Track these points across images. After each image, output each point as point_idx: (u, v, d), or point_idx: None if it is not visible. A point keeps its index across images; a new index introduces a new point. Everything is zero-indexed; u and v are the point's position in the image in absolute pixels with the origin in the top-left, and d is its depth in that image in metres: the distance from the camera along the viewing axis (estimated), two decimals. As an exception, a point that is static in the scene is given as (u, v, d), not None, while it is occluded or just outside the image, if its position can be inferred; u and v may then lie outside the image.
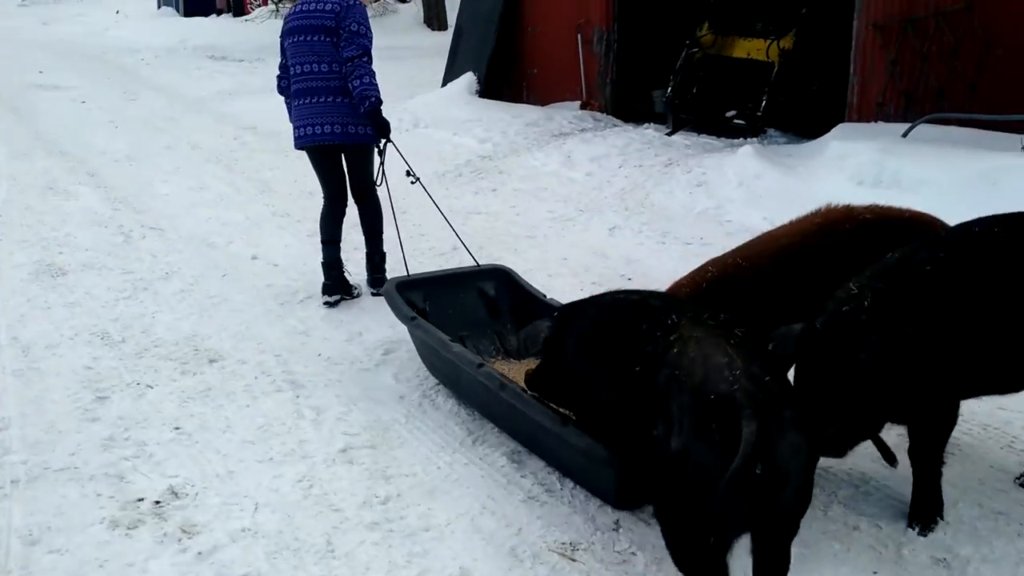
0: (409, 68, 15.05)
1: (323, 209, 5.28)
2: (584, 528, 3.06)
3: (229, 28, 19.72)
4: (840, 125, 8.08)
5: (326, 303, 5.15)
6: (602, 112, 10.60)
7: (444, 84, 11.87)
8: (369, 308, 5.08)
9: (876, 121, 8.11)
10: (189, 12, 23.66)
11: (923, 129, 7.08)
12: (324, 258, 5.21)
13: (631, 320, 2.84)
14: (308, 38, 4.93)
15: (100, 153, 9.17)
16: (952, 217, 5.62)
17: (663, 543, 2.62)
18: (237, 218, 6.86)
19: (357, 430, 3.74)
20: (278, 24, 18.69)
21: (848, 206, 3.61)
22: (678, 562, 2.53)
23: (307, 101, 4.96)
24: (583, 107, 10.76)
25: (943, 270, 2.80)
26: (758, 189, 6.83)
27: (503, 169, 8.32)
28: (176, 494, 3.29)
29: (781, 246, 3.55)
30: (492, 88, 11.51)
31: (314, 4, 4.94)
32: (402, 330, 4.37)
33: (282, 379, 4.22)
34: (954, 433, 3.01)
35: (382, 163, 5.05)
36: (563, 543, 2.96)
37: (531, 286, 4.55)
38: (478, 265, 4.74)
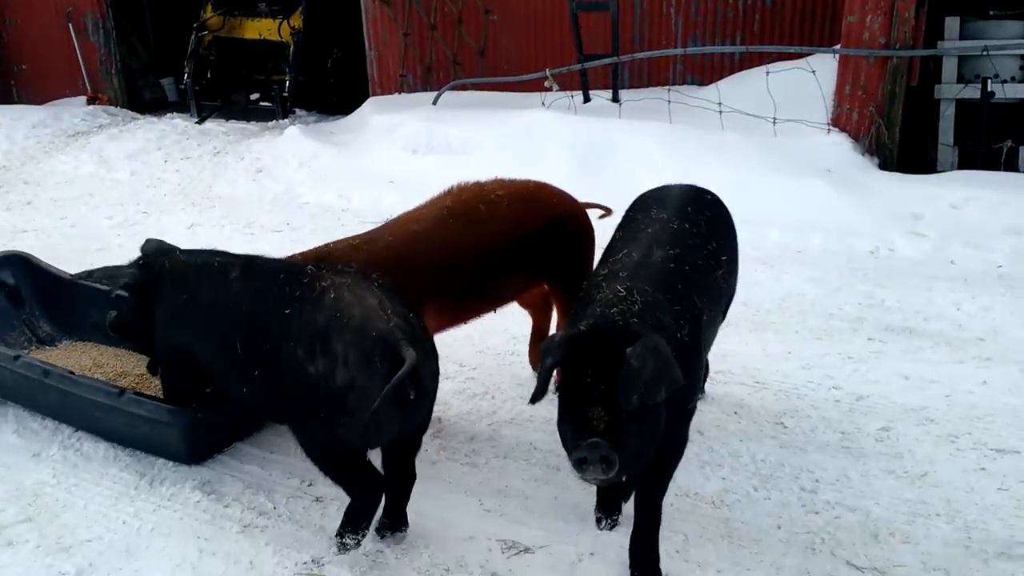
0: None
1: None
2: (317, 540, 2.98)
3: None
4: (370, 99, 8.51)
5: None
6: (114, 106, 9.88)
7: (-95, 89, 10.09)
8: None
9: (399, 92, 8.68)
10: None
11: (447, 96, 7.76)
12: None
13: (265, 274, 2.95)
14: None
15: None
16: (503, 169, 6.37)
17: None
18: None
19: (0, 505, 3.21)
20: None
21: (478, 183, 3.65)
22: (332, 472, 2.82)
23: None
24: (91, 102, 9.92)
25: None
26: (320, 168, 6.98)
27: (28, 178, 7.40)
28: None
29: (412, 231, 3.43)
30: (-30, 90, 10.09)
31: None
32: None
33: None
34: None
35: None
36: (304, 562, 2.85)
37: (53, 267, 4.46)
38: None
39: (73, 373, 3.51)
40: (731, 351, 4.11)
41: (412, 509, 2.95)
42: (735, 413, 3.67)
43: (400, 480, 2.91)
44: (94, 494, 3.27)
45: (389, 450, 2.87)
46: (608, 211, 3.85)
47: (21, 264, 4.43)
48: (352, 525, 2.81)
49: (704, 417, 3.53)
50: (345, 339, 2.62)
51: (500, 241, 3.40)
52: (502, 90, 7.86)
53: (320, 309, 2.69)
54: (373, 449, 2.83)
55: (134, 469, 3.40)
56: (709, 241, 2.97)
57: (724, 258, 3.02)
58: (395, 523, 2.93)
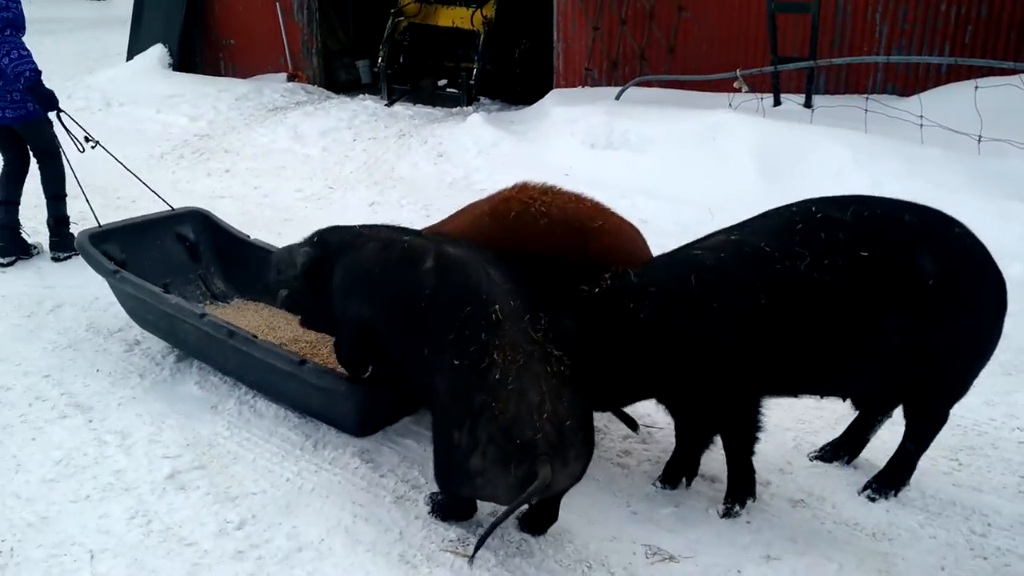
0: (75, 42, 13.70)
1: (2, 169, 5.31)
2: (466, 522, 3.00)
3: None
4: (553, 91, 8.52)
5: None
6: (312, 84, 10.33)
7: (130, 58, 10.90)
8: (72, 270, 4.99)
9: (583, 86, 8.66)
10: None
11: (630, 92, 7.67)
12: (1, 219, 5.25)
13: (448, 294, 2.79)
14: None
15: None
16: (684, 169, 6.24)
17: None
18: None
19: (177, 451, 3.41)
20: None
21: (542, 189, 3.37)
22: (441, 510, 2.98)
23: None
24: (290, 79, 10.41)
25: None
26: (498, 157, 7.04)
27: (228, 148, 7.86)
28: (-15, 553, 2.85)
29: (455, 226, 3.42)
30: (186, 61, 10.80)
31: None
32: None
33: (64, 403, 3.75)
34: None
35: (58, 130, 5.10)
36: (451, 540, 2.89)
37: (232, 227, 4.59)
38: (173, 209, 4.67)
39: (256, 337, 3.60)
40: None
41: (561, 503, 2.93)
42: (910, 444, 3.44)
43: (540, 519, 2.90)
44: (263, 450, 3.43)
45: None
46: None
47: (202, 220, 4.61)
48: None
49: (872, 443, 3.32)
50: (490, 431, 2.57)
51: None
52: (689, 88, 7.71)
53: (480, 387, 2.60)
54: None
55: (301, 430, 3.55)
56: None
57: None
58: (543, 522, 2.91)
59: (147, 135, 8.32)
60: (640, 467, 3.34)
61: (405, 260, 2.95)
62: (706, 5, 7.92)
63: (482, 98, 9.70)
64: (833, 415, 3.59)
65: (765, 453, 3.20)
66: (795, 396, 3.04)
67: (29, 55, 4.76)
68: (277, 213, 6.17)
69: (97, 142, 4.89)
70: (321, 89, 10.13)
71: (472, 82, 9.40)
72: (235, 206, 6.31)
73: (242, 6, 10.68)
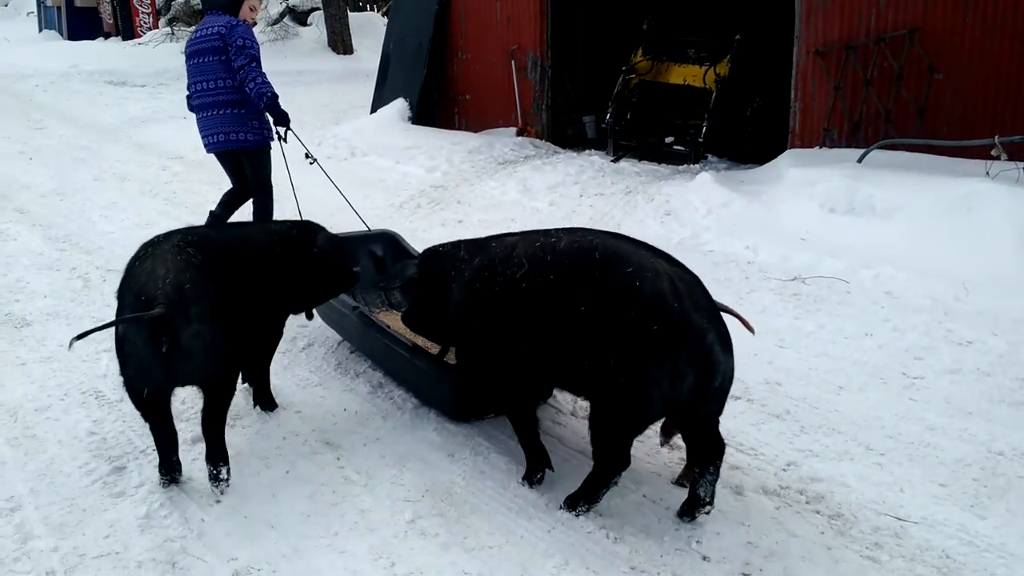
0: (322, 94, 14.74)
1: (227, 191, 6.11)
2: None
3: (121, 52, 18.77)
4: (788, 151, 8.27)
5: None
6: (539, 139, 10.59)
7: (373, 111, 11.62)
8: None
9: (820, 147, 8.35)
10: (73, 36, 22.50)
11: (873, 155, 7.30)
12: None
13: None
14: (200, 60, 5.73)
15: (23, 187, 8.55)
16: (936, 239, 5.86)
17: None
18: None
19: (418, 495, 3.50)
20: (173, 47, 18.06)
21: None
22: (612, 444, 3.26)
23: (201, 115, 5.81)
24: (519, 134, 10.71)
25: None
26: (728, 217, 6.89)
27: (461, 199, 8.15)
28: (247, 580, 3.01)
29: None
30: (424, 114, 11.35)
31: (205, 30, 5.72)
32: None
33: (314, 439, 3.95)
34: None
35: (284, 147, 5.75)
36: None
37: (413, 248, 5.26)
38: (369, 229, 5.54)
39: (388, 327, 4.31)
40: None
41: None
42: None
43: (710, 452, 3.25)
44: (498, 503, 3.45)
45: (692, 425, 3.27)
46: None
47: (390, 241, 5.45)
48: (592, 496, 3.31)
49: None
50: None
51: None
52: (939, 154, 7.25)
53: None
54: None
55: (537, 489, 3.54)
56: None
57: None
58: (700, 501, 3.26)
59: (387, 184, 8.78)
60: (891, 563, 3.09)
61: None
62: (961, 66, 7.46)
63: (710, 156, 9.57)
64: None
65: None
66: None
67: (268, 81, 5.55)
68: (509, 265, 6.30)
69: (315, 160, 5.84)
70: (549, 144, 10.35)
71: (700, 140, 9.31)
72: (468, 256, 6.50)
73: (480, 64, 11.15)
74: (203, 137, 5.84)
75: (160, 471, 3.55)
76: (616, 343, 3.02)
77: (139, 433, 3.97)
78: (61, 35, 23.00)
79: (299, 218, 4.88)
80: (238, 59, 5.52)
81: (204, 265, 3.48)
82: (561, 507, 3.37)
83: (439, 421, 4.07)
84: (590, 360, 3.10)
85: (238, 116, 5.69)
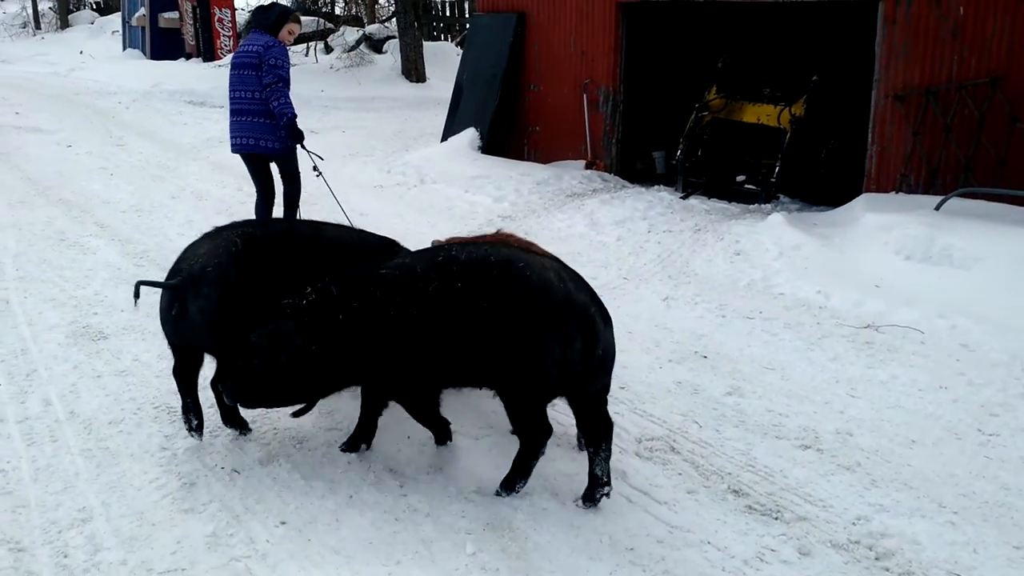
0: (394, 121, 14.92)
1: (256, 198, 6.89)
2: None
3: (203, 73, 19.29)
4: (863, 195, 8.13)
5: None
6: (608, 172, 10.58)
7: (444, 139, 11.75)
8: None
9: (896, 192, 8.20)
10: (156, 55, 23.19)
11: (952, 202, 7.14)
12: None
13: None
14: (241, 72, 6.47)
15: (103, 203, 8.81)
16: (1018, 292, 5.70)
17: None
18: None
19: (479, 528, 3.49)
20: (255, 70, 18.52)
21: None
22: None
23: (235, 119, 6.56)
24: (588, 167, 10.71)
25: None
26: (800, 260, 6.79)
27: (528, 230, 8.16)
28: (305, 603, 3.03)
29: None
30: (494, 144, 11.43)
31: (248, 47, 6.46)
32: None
33: (379, 466, 3.96)
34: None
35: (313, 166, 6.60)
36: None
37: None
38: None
39: None
40: None
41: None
42: None
43: (600, 431, 3.65)
44: (560, 541, 3.45)
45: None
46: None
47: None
48: (526, 471, 3.69)
49: None
50: None
51: None
52: (1020, 204, 7.07)
53: None
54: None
55: (602, 530, 3.52)
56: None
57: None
58: (599, 481, 3.63)
59: (455, 213, 8.85)
60: None
61: None
62: (1045, 115, 7.28)
63: (781, 196, 9.47)
64: None
65: None
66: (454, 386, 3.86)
67: (290, 103, 6.32)
68: (575, 299, 6.29)
69: (320, 173, 6.62)
70: (617, 178, 10.34)
71: (773, 179, 9.21)
72: (534, 288, 6.51)
73: (552, 96, 11.21)
74: (232, 138, 6.59)
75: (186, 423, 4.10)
76: (513, 326, 3.45)
77: (208, 451, 4.05)
78: (144, 54, 23.69)
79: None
80: (267, 76, 6.25)
81: (241, 255, 3.92)
82: (498, 492, 3.72)
83: (503, 455, 4.05)
84: (493, 350, 3.51)
85: (267, 125, 6.42)
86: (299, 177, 6.75)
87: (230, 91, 6.59)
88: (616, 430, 4.28)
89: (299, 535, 3.43)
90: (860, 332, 5.65)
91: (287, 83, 6.38)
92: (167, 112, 14.97)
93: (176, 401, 4.48)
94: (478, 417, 4.43)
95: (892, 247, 6.60)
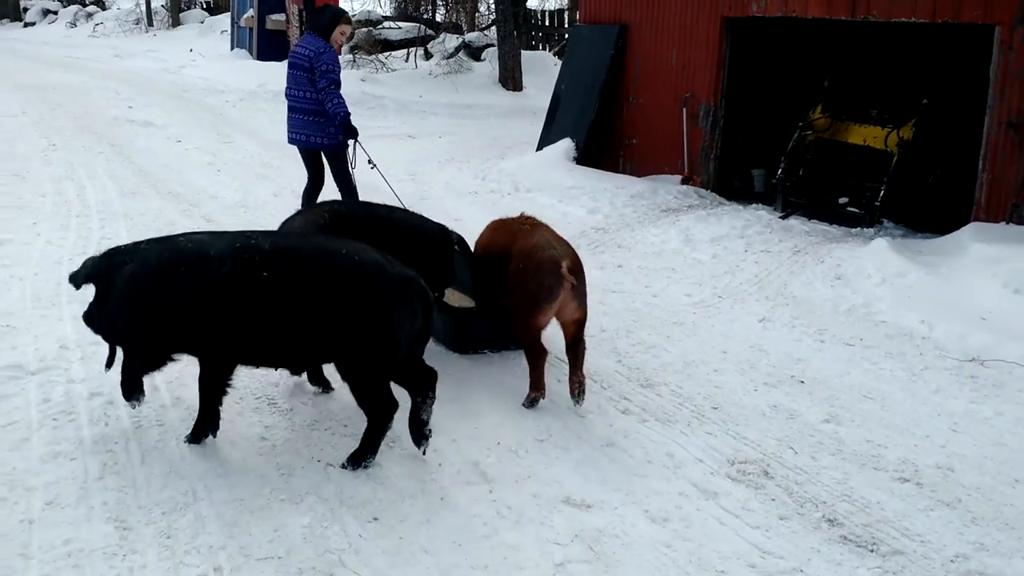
0: (491, 128, 15.04)
1: (305, 185, 7.44)
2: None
3: (306, 74, 19.82)
4: (972, 224, 7.86)
5: None
6: (704, 188, 10.46)
7: (540, 148, 11.79)
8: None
9: (1007, 223, 7.90)
10: (262, 56, 23.83)
11: (1067, 236, 6.86)
12: None
13: None
14: (294, 72, 7.05)
15: (210, 197, 9.11)
16: None
17: None
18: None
19: (566, 539, 3.50)
20: (355, 74, 18.86)
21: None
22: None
23: (290, 115, 7.21)
24: (684, 182, 10.61)
25: None
26: (904, 288, 6.59)
27: (621, 243, 8.15)
28: (395, 600, 3.08)
29: None
30: (589, 156, 11.42)
31: (301, 48, 7.03)
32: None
33: (468, 470, 4.00)
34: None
35: (358, 157, 7.18)
36: None
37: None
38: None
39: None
40: None
41: None
42: None
43: (426, 381, 4.01)
44: (645, 558, 3.44)
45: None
46: None
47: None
48: (375, 446, 3.93)
49: None
50: None
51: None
52: None
53: None
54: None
55: (693, 550, 3.48)
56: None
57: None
58: (424, 423, 3.99)
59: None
60: None
61: None
62: None
63: (885, 221, 9.20)
64: None
65: None
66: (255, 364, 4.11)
67: (343, 102, 6.85)
68: (666, 315, 6.24)
69: (375, 165, 7.14)
70: (714, 194, 10.21)
71: (877, 203, 8.97)
72: (624, 302, 6.49)
73: (650, 109, 11.15)
74: (289, 132, 7.24)
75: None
76: (355, 308, 3.74)
77: (306, 443, 4.15)
78: (251, 54, 24.34)
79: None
80: (320, 81, 6.78)
81: (327, 227, 4.69)
82: (344, 466, 3.90)
83: (593, 465, 4.06)
84: (325, 332, 3.78)
85: (318, 123, 6.98)
86: (351, 179, 7.23)
87: (286, 87, 7.19)
88: (708, 450, 4.27)
89: (391, 532, 3.49)
90: (964, 365, 5.47)
91: (338, 84, 6.88)
92: (271, 112, 15.35)
93: (277, 393, 4.62)
94: (568, 429, 4.43)
95: (1001, 279, 6.38)
